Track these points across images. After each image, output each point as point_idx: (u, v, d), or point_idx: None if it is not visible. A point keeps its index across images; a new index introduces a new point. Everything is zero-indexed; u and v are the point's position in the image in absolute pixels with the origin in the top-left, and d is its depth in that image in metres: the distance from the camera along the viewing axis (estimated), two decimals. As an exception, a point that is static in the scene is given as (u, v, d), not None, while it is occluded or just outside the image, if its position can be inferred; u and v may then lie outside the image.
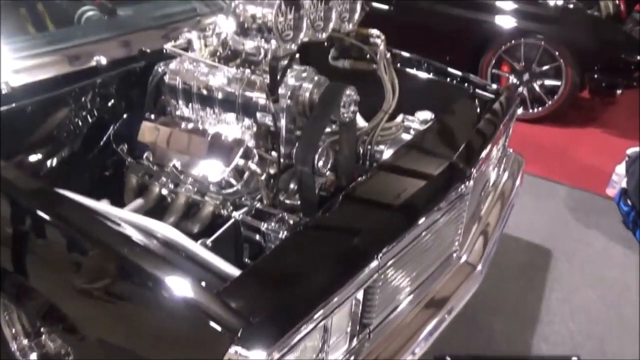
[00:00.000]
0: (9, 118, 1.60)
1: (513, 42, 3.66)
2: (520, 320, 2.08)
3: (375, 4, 4.06)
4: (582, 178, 3.09)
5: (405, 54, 2.25)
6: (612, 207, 2.79)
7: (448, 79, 2.16)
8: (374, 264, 1.18)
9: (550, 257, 2.42)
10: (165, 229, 1.36)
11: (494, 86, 2.15)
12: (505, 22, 3.67)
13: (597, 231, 2.61)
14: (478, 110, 1.92)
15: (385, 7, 4.06)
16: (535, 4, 3.79)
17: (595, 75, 3.47)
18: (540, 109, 3.74)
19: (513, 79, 3.76)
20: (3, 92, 1.63)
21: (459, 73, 2.17)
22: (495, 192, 1.99)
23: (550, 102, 3.68)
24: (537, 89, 3.70)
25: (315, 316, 1.05)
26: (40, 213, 1.23)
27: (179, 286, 1.04)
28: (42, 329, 1.55)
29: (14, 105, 1.63)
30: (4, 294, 1.39)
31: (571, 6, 3.91)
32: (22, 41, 1.97)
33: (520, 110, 3.73)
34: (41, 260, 1.27)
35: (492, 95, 2.02)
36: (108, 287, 1.16)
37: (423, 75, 2.18)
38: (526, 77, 3.70)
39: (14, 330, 1.58)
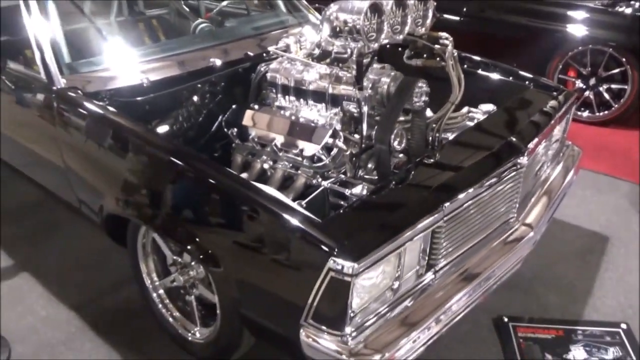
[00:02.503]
0: (148, 105, 2.05)
1: (580, 48, 3.81)
2: (574, 293, 2.27)
3: (446, 16, 4.33)
4: (646, 176, 3.20)
5: (475, 57, 2.55)
6: (675, 202, 2.90)
7: (511, 78, 2.42)
8: (440, 212, 1.49)
9: (607, 243, 2.58)
10: (271, 190, 1.72)
11: (554, 84, 2.38)
12: (577, 30, 3.83)
13: (657, 224, 2.74)
14: (537, 103, 2.17)
15: (456, 18, 4.33)
16: (607, 13, 3.92)
17: (663, 80, 3.57)
18: (606, 112, 3.86)
19: (580, 84, 3.91)
20: (144, 84, 2.08)
21: (523, 73, 2.43)
22: (550, 178, 2.21)
23: (616, 106, 3.79)
24: (604, 93, 3.83)
25: (392, 244, 1.37)
26: (201, 166, 1.65)
27: (295, 219, 1.40)
28: (170, 269, 1.96)
29: (152, 95, 2.07)
30: (153, 228, 1.80)
31: (640, 14, 4.01)
32: (147, 48, 2.48)
33: (586, 113, 3.90)
34: (186, 202, 1.69)
35: (552, 93, 2.27)
36: (238, 220, 1.54)
37: (489, 74, 2.46)
38: (592, 81, 3.85)
39: (147, 269, 2.03)
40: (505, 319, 2.11)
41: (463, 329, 2.07)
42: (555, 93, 2.26)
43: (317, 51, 2.13)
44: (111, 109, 1.90)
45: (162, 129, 2.02)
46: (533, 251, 2.36)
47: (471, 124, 2.10)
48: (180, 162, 1.67)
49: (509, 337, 2.03)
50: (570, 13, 3.88)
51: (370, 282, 1.43)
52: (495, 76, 2.45)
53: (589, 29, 3.78)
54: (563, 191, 2.18)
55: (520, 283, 2.31)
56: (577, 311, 2.18)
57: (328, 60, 2.08)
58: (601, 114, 3.88)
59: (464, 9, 4.28)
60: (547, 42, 3.95)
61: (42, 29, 2.11)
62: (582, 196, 2.96)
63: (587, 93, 3.90)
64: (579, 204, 2.88)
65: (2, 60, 2.14)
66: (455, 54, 2.11)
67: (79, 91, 2.01)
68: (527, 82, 2.37)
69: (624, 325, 2.07)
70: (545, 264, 2.42)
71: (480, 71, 2.50)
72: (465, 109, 2.18)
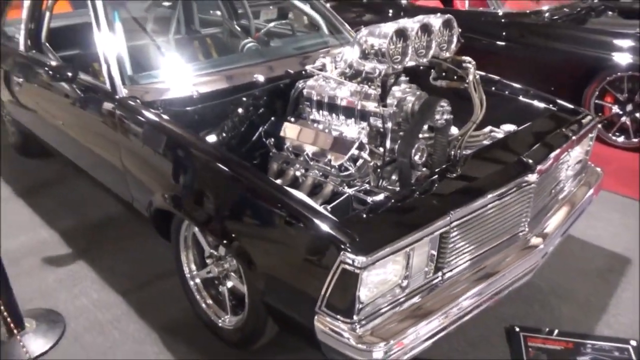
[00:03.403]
0: (197, 115, 2.29)
1: (618, 74, 3.86)
2: (589, 309, 2.33)
3: (493, 41, 4.45)
4: (678, 203, 3.21)
5: (503, 80, 2.69)
6: None
7: (536, 101, 2.54)
8: (447, 219, 1.64)
9: (628, 264, 2.62)
10: (301, 195, 1.91)
11: (577, 108, 2.49)
12: (615, 56, 3.88)
13: (682, 249, 2.76)
14: (556, 125, 2.28)
15: (502, 43, 4.44)
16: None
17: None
18: (641, 138, 3.88)
19: (616, 110, 3.94)
20: (194, 96, 2.33)
21: (547, 96, 2.55)
22: (569, 196, 2.30)
23: (652, 132, 3.81)
24: (641, 119, 3.86)
25: (399, 243, 1.54)
26: (241, 171, 1.86)
27: (317, 220, 1.59)
28: (207, 261, 2.18)
29: (200, 106, 2.32)
30: (195, 223, 2.03)
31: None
32: (199, 64, 2.73)
33: (621, 139, 3.93)
34: (226, 201, 1.90)
35: (574, 116, 2.38)
36: (269, 219, 1.73)
37: (515, 97, 2.59)
38: (629, 107, 3.87)
39: (186, 260, 2.26)
40: (517, 329, 2.20)
41: (475, 334, 2.19)
42: (576, 116, 2.36)
43: (349, 70, 2.33)
44: (165, 117, 2.15)
45: (208, 136, 2.25)
46: (552, 267, 2.48)
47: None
48: (222, 166, 1.88)
49: (518, 346, 2.13)
50: (610, 40, 3.93)
51: (378, 278, 1.59)
52: (520, 98, 2.58)
53: (628, 56, 3.82)
54: (580, 209, 2.27)
55: (536, 296, 2.40)
56: (590, 326, 2.25)
57: (359, 79, 2.27)
58: (637, 139, 3.89)
59: (504, 34, 4.39)
60: (584, 68, 4.01)
61: (110, 45, 2.40)
62: (608, 219, 3.01)
63: (623, 119, 3.93)
64: (604, 226, 2.94)
65: (75, 71, 2.44)
66: (478, 76, 2.26)
67: (138, 100, 2.28)
68: (550, 105, 2.48)
69: (633, 342, 2.13)
70: (564, 280, 2.51)
71: (507, 93, 2.64)
72: (487, 128, 2.32)
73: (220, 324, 2.17)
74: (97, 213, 3.22)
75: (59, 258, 2.81)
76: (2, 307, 1.94)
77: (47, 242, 2.97)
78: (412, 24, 2.07)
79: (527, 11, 4.48)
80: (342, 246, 1.49)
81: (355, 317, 1.54)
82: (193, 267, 2.26)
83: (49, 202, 3.39)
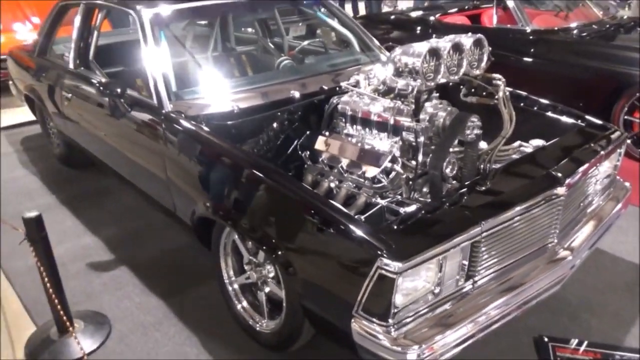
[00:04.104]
0: (238, 128, 2.43)
1: (648, 90, 3.88)
2: (618, 322, 2.36)
3: (521, 57, 4.51)
4: None
5: (532, 97, 2.76)
6: None
7: (564, 116, 2.61)
8: (478, 228, 1.72)
9: (657, 278, 2.66)
10: (335, 205, 2.01)
11: (606, 123, 2.54)
12: (645, 73, 3.90)
13: None
14: (585, 140, 2.34)
15: (529, 59, 4.49)
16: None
17: None
18: (673, 153, 3.88)
19: (646, 125, 3.96)
20: (235, 111, 2.47)
21: (576, 112, 2.61)
22: (597, 210, 2.36)
23: (684, 147, 3.81)
24: (671, 135, 3.86)
25: (434, 251, 1.62)
26: (281, 181, 1.97)
27: (354, 228, 1.68)
28: (245, 267, 2.29)
29: (240, 120, 2.45)
30: (236, 230, 2.14)
31: None
32: (239, 80, 2.87)
33: (650, 154, 3.93)
34: (265, 209, 2.02)
35: (602, 132, 2.43)
36: (308, 227, 1.83)
37: (544, 112, 2.66)
38: (659, 123, 3.89)
39: (226, 266, 2.37)
40: (546, 339, 2.25)
41: (504, 344, 2.24)
42: (605, 132, 2.42)
43: (382, 87, 2.44)
44: (207, 129, 2.29)
45: (248, 148, 2.38)
46: (581, 280, 2.52)
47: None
48: (265, 177, 1.99)
49: (547, 355, 2.17)
50: (639, 56, 3.95)
51: (412, 284, 1.68)
52: (549, 114, 2.65)
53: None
54: (608, 223, 2.32)
55: (565, 308, 2.45)
56: (618, 338, 2.28)
57: (392, 96, 2.37)
58: (667, 155, 3.90)
59: (532, 50, 4.45)
60: (613, 84, 4.03)
61: (157, 63, 2.56)
62: (636, 233, 3.03)
63: (647, 135, 3.94)
64: (633, 240, 2.96)
65: (123, 87, 2.60)
66: (507, 93, 2.34)
67: (182, 114, 2.42)
68: (579, 121, 2.54)
69: (663, 353, 2.16)
70: (593, 293, 2.55)
71: (535, 109, 2.71)
72: (516, 143, 2.39)
73: (257, 328, 2.27)
74: (138, 222, 3.37)
75: (103, 263, 2.96)
76: (58, 307, 2.08)
77: (91, 249, 3.12)
78: (444, 43, 2.17)
79: (556, 28, 4.54)
80: (379, 252, 1.58)
81: (390, 321, 1.63)
82: (232, 273, 2.37)
83: (92, 211, 3.56)
